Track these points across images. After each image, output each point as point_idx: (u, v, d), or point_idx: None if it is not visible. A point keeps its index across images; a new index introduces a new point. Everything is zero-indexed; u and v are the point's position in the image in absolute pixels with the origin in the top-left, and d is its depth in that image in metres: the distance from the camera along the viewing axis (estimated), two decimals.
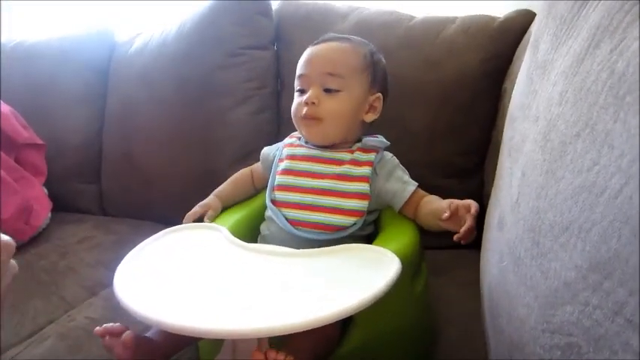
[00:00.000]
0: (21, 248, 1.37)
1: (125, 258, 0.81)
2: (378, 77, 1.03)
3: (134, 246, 0.85)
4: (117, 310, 0.76)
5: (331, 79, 0.97)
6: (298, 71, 1.02)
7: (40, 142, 1.56)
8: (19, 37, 1.83)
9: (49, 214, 1.52)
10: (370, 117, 1.02)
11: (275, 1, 1.52)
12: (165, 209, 1.53)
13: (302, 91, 1.01)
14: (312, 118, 0.97)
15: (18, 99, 1.59)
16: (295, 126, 1.04)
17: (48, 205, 1.52)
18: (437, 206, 0.91)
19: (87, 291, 1.14)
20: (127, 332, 0.73)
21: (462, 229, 0.80)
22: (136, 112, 1.58)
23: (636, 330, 0.31)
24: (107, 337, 0.75)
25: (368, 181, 0.95)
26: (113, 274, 0.77)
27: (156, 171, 1.54)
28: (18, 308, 1.06)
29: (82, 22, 1.92)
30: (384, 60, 1.06)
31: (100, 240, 1.41)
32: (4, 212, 1.30)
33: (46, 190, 1.56)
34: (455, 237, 0.81)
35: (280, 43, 1.50)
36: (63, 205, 1.62)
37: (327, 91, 0.97)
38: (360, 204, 0.95)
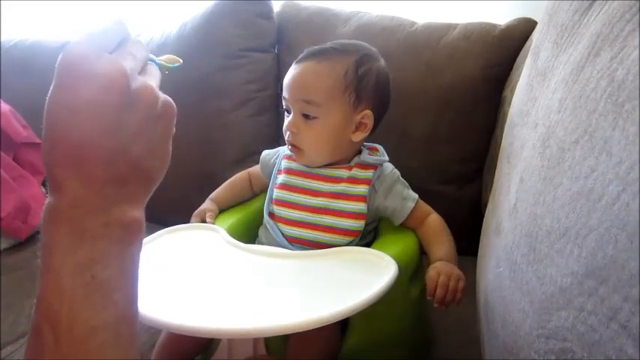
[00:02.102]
0: (18, 246, 1.37)
1: None
2: (366, 93, 0.94)
3: None
4: None
5: (307, 106, 0.92)
6: (283, 90, 0.97)
7: (38, 141, 1.56)
8: (19, 36, 1.83)
9: None
10: (359, 136, 0.95)
11: (277, 1, 1.52)
12: (164, 210, 1.52)
13: (288, 112, 0.97)
14: (293, 146, 0.95)
15: (17, 98, 1.58)
16: None
17: None
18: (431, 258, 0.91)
19: None
20: None
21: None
22: None
23: (630, 336, 0.31)
24: None
25: (365, 201, 0.93)
26: None
27: None
28: (14, 306, 1.06)
29: (82, 22, 1.92)
30: (381, 65, 0.98)
31: None
32: (2, 210, 1.30)
33: (44, 190, 1.56)
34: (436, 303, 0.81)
35: (281, 46, 1.50)
36: None
37: (306, 116, 0.93)
38: (357, 224, 0.93)
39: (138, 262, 0.41)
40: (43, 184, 1.56)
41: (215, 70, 1.44)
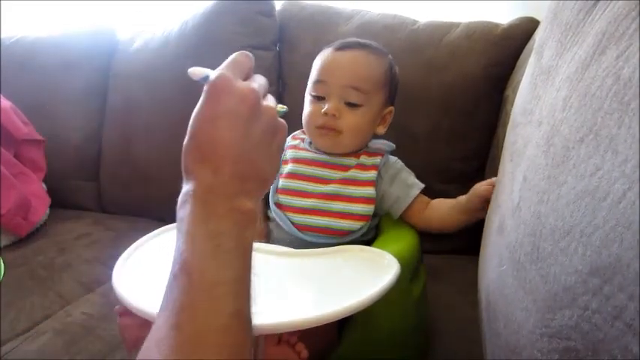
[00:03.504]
0: (18, 243, 1.37)
1: (124, 253, 0.81)
2: (394, 91, 1.03)
3: (132, 243, 0.85)
4: (114, 306, 0.76)
5: (355, 93, 0.95)
6: (317, 75, 0.99)
7: (39, 137, 1.56)
8: (20, 33, 1.82)
9: (48, 210, 1.52)
10: (382, 129, 1.03)
11: (278, 1, 1.52)
12: (164, 207, 1.51)
13: (319, 98, 0.98)
14: (330, 129, 0.96)
15: (18, 95, 1.58)
16: (306, 132, 1.03)
17: (46, 201, 1.52)
18: (461, 203, 0.96)
19: (84, 287, 1.14)
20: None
21: None
22: (137, 111, 1.58)
23: (636, 335, 0.31)
24: (124, 317, 0.75)
25: (374, 185, 0.96)
26: (110, 271, 0.77)
27: (155, 169, 1.54)
28: (15, 303, 1.06)
29: (83, 20, 1.92)
30: (397, 71, 1.05)
31: (97, 237, 1.41)
32: (2, 207, 1.30)
33: (44, 186, 1.56)
34: None
35: (283, 44, 1.50)
36: (61, 201, 1.61)
37: (348, 103, 0.96)
38: (367, 208, 0.95)
39: (252, 245, 0.50)
40: (44, 181, 1.56)
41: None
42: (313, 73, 1.00)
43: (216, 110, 0.50)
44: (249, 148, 0.51)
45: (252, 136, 0.51)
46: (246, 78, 0.56)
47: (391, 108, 1.03)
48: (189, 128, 0.51)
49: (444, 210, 0.98)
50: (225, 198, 0.49)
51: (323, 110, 0.95)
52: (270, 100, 0.56)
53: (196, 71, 0.54)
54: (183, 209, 0.48)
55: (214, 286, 0.44)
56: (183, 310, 0.43)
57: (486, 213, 0.86)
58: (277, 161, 0.58)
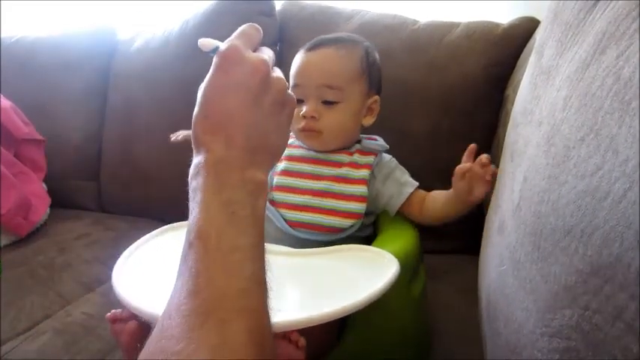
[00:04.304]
0: (19, 243, 1.37)
1: (124, 253, 0.82)
2: (375, 79, 1.02)
3: (132, 243, 0.85)
4: (114, 306, 0.76)
5: (329, 92, 0.96)
6: (292, 80, 1.00)
7: (39, 137, 1.56)
8: (21, 33, 1.82)
9: (48, 210, 1.52)
10: (369, 120, 1.02)
11: (279, 0, 1.52)
12: (164, 207, 1.53)
13: (299, 101, 0.98)
14: (311, 131, 0.97)
15: (19, 95, 1.58)
16: (295, 136, 1.03)
17: (47, 200, 1.52)
18: (451, 192, 0.95)
19: (84, 287, 1.14)
20: (132, 322, 0.74)
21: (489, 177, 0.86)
22: (137, 110, 1.58)
23: (636, 335, 0.31)
24: (116, 324, 0.75)
25: (366, 184, 0.96)
26: (110, 271, 0.77)
27: (155, 169, 1.54)
28: (15, 303, 1.06)
29: (84, 19, 1.92)
30: (377, 56, 1.05)
31: (97, 237, 1.41)
32: (2, 207, 1.30)
33: (45, 186, 1.56)
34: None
35: (283, 44, 1.50)
36: (62, 201, 1.62)
37: (325, 102, 0.96)
38: (358, 206, 0.95)
39: (264, 214, 0.50)
40: (44, 181, 1.56)
41: None
42: (290, 77, 1.01)
43: (227, 81, 0.51)
44: (259, 120, 0.52)
45: (262, 107, 0.52)
46: (255, 50, 0.56)
47: (376, 97, 1.02)
48: (198, 98, 0.52)
49: (441, 202, 0.98)
50: (237, 169, 0.49)
51: (302, 113, 0.96)
52: (278, 72, 0.56)
53: (206, 42, 0.55)
54: (196, 180, 0.49)
55: (231, 251, 0.44)
56: (200, 275, 0.42)
57: (475, 197, 0.88)
58: (286, 133, 0.58)
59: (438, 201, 0.98)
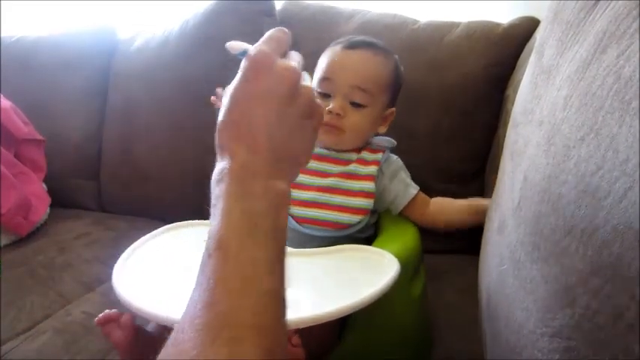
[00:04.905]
0: (19, 243, 1.37)
1: (124, 253, 0.82)
2: (397, 92, 1.04)
3: (132, 243, 0.85)
4: (114, 306, 0.76)
5: (360, 94, 0.96)
6: (324, 73, 0.99)
7: (39, 137, 1.56)
8: (21, 32, 1.82)
9: (48, 210, 1.52)
10: (382, 129, 1.03)
11: (279, 0, 1.52)
12: (164, 207, 1.53)
13: (324, 95, 0.98)
14: (334, 127, 0.97)
15: (19, 95, 1.58)
16: None
17: (47, 200, 1.52)
18: (478, 206, 0.97)
19: (84, 286, 1.14)
20: (125, 315, 0.73)
21: None
22: (137, 110, 1.58)
23: (637, 335, 0.31)
24: (106, 325, 0.75)
25: (374, 180, 0.97)
26: (110, 271, 0.77)
27: (155, 169, 1.54)
28: (15, 303, 1.06)
29: (84, 19, 1.92)
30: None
31: (97, 236, 1.41)
32: (2, 207, 1.30)
33: (45, 186, 1.56)
34: None
35: None
36: (62, 201, 1.61)
37: (353, 103, 0.96)
38: (366, 202, 0.96)
39: (286, 227, 0.49)
40: (44, 181, 1.56)
41: (216, 68, 1.44)
42: (320, 69, 1.00)
43: (255, 88, 0.50)
44: (286, 129, 0.51)
45: (289, 116, 0.51)
46: (284, 55, 0.55)
47: (393, 109, 1.04)
48: (225, 104, 0.51)
49: (452, 211, 0.99)
50: (261, 177, 0.48)
51: (328, 108, 0.95)
52: (307, 80, 0.55)
53: (235, 45, 0.54)
54: (219, 187, 0.48)
55: (251, 264, 0.43)
56: (217, 287, 0.42)
57: None
58: (312, 143, 0.56)
59: (452, 209, 1.00)
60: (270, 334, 0.42)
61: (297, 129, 0.52)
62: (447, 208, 1.00)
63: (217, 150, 0.51)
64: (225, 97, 0.51)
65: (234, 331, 0.40)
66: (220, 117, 0.51)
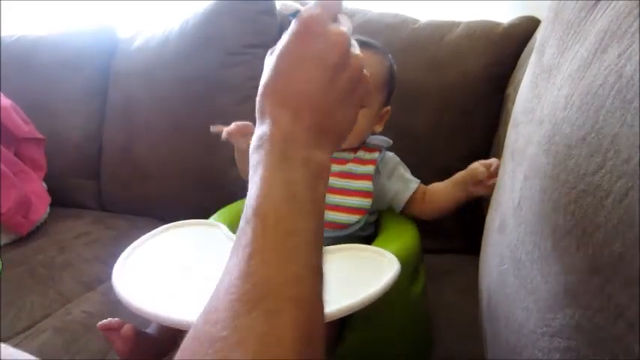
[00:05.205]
0: (19, 242, 1.37)
1: (124, 252, 0.82)
2: (392, 90, 1.03)
3: (132, 242, 0.85)
4: (114, 305, 0.77)
5: None
6: None
7: (40, 136, 1.56)
8: (21, 31, 1.82)
9: (48, 209, 1.52)
10: (378, 128, 1.03)
11: (280, 0, 1.51)
12: (164, 206, 1.53)
13: None
14: None
15: (19, 94, 1.59)
16: None
17: (47, 199, 1.52)
18: (457, 177, 0.97)
19: (84, 286, 1.14)
20: (126, 326, 0.74)
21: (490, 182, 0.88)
22: (137, 109, 1.58)
23: (638, 334, 0.31)
24: (108, 332, 0.75)
25: (371, 179, 0.96)
26: (110, 270, 0.77)
27: (155, 168, 1.54)
28: (15, 302, 1.06)
29: (84, 18, 1.92)
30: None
31: (98, 235, 1.41)
32: (2, 206, 1.30)
33: (45, 185, 1.56)
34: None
35: None
36: (62, 200, 1.62)
37: None
38: (364, 201, 0.95)
39: (324, 198, 0.48)
40: (44, 180, 1.56)
41: (217, 67, 1.44)
42: None
43: (304, 51, 0.49)
44: (332, 99, 0.49)
45: (336, 86, 0.49)
46: (334, 20, 0.53)
47: (388, 108, 1.03)
48: (270, 65, 0.50)
49: (441, 192, 0.99)
50: (302, 147, 0.47)
51: None
52: (356, 48, 0.54)
53: (288, 4, 0.52)
54: (258, 153, 0.47)
55: (288, 234, 0.42)
56: (253, 257, 0.40)
57: (479, 189, 0.91)
58: (355, 115, 0.55)
59: (440, 189, 0.99)
60: (308, 307, 0.41)
61: (342, 99, 0.51)
62: (437, 190, 1.00)
63: (257, 114, 0.50)
64: (270, 58, 0.50)
65: (271, 303, 0.38)
66: (264, 79, 0.50)
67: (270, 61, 0.50)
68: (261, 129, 0.48)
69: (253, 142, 0.48)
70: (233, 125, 1.00)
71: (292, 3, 0.51)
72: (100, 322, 0.76)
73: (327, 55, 0.48)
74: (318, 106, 0.48)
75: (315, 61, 0.48)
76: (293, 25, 0.49)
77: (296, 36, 0.49)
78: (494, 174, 0.89)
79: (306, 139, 0.47)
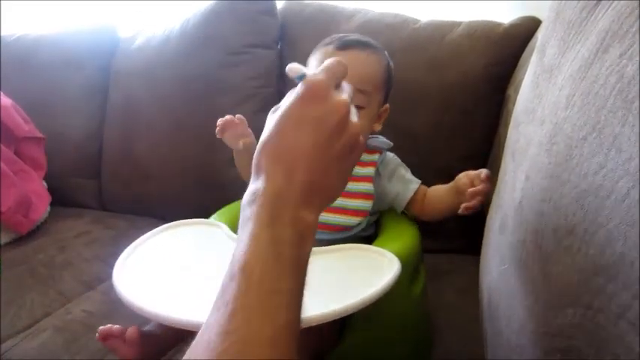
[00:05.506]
0: (19, 241, 1.37)
1: (124, 252, 0.81)
2: (390, 88, 1.02)
3: (132, 241, 0.85)
4: (114, 304, 0.77)
5: (358, 96, 0.92)
6: None
7: (40, 135, 1.56)
8: (22, 31, 1.82)
9: (48, 208, 1.52)
10: (377, 127, 1.02)
11: (280, 0, 1.52)
12: (164, 206, 1.53)
13: None
14: None
15: (19, 93, 1.59)
16: None
17: (47, 198, 1.52)
18: (450, 185, 0.95)
19: (84, 285, 1.14)
20: (130, 330, 0.74)
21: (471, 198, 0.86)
22: (138, 109, 1.58)
23: (638, 333, 0.31)
24: (110, 340, 0.75)
25: (371, 181, 0.96)
26: (111, 269, 0.77)
27: (156, 167, 1.54)
28: (15, 301, 1.06)
29: (85, 17, 1.92)
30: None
31: (98, 235, 1.41)
32: (2, 205, 1.30)
33: (45, 184, 1.56)
34: (462, 205, 0.86)
35: (284, 43, 1.50)
36: (62, 199, 1.62)
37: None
38: (365, 204, 0.95)
39: (308, 260, 0.49)
40: (44, 179, 1.56)
41: (217, 67, 1.44)
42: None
43: (306, 114, 0.50)
44: (326, 162, 0.51)
45: (332, 149, 0.51)
46: (338, 87, 0.55)
47: (387, 106, 1.02)
48: (272, 122, 0.51)
49: (437, 197, 0.99)
50: (292, 206, 0.48)
51: None
52: (354, 116, 0.55)
53: (294, 68, 0.54)
54: (250, 209, 0.48)
55: (271, 293, 0.43)
56: (236, 315, 0.41)
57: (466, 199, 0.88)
58: (347, 178, 0.56)
59: (439, 194, 0.99)
60: None
61: (337, 162, 0.52)
62: (437, 194, 0.99)
63: (254, 168, 0.51)
64: (273, 116, 0.52)
65: None
66: (264, 136, 0.51)
67: (272, 118, 0.52)
68: (255, 184, 0.50)
69: (247, 196, 0.49)
70: (228, 118, 1.00)
71: (299, 66, 0.54)
72: (100, 329, 0.75)
73: (327, 119, 0.50)
74: (313, 166, 0.50)
75: (315, 124, 0.50)
76: (299, 87, 0.51)
77: (300, 98, 0.51)
78: (477, 185, 0.88)
79: (297, 198, 0.49)
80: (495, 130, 1.24)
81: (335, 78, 0.54)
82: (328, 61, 0.55)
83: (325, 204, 0.54)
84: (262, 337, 0.41)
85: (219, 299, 0.44)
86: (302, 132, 0.50)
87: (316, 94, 0.51)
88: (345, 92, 0.55)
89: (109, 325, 0.75)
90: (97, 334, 0.75)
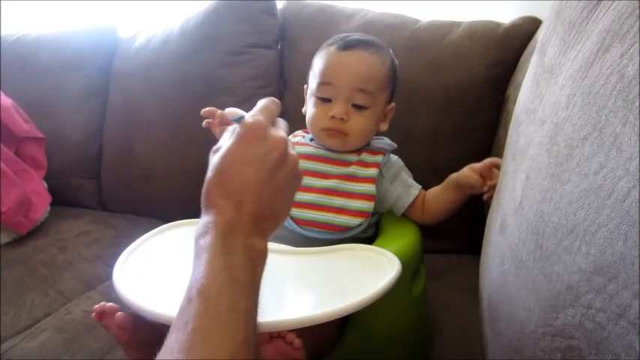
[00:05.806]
0: (19, 241, 1.36)
1: (125, 252, 0.81)
2: (395, 87, 1.02)
3: (132, 241, 0.85)
4: (115, 304, 0.76)
5: (361, 96, 0.95)
6: (322, 77, 0.97)
7: (40, 135, 1.56)
8: (22, 31, 1.82)
9: (48, 208, 1.51)
10: (384, 126, 1.03)
11: (280, 0, 1.52)
12: (165, 206, 1.53)
13: (325, 100, 0.97)
14: (338, 132, 0.96)
15: (19, 93, 1.58)
16: (312, 133, 1.03)
17: (47, 198, 1.52)
18: (450, 181, 0.98)
19: (84, 285, 1.14)
20: (119, 314, 0.73)
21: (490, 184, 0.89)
22: (138, 109, 1.58)
23: (639, 333, 0.31)
24: (104, 319, 0.75)
25: (374, 183, 0.96)
26: (111, 269, 0.77)
27: (156, 167, 1.54)
28: (15, 301, 1.06)
29: (85, 18, 1.92)
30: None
31: (98, 235, 1.41)
32: (3, 205, 1.30)
33: (45, 184, 1.56)
34: (485, 196, 0.91)
35: (284, 43, 1.50)
36: (62, 199, 1.61)
37: (355, 105, 0.95)
38: (367, 205, 0.95)
39: (260, 282, 0.53)
40: (45, 179, 1.56)
41: (217, 67, 1.44)
42: (317, 73, 0.98)
43: (247, 152, 0.55)
44: (271, 192, 0.55)
45: (275, 181, 0.56)
46: (273, 124, 0.61)
47: (392, 105, 1.03)
48: (215, 162, 0.55)
49: (436, 198, 1.00)
50: (243, 235, 0.52)
51: (331, 113, 0.95)
52: (291, 149, 0.60)
53: (232, 111, 0.59)
54: (204, 239, 0.52)
55: (230, 312, 0.46)
56: (196, 333, 0.44)
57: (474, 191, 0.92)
58: (290, 204, 0.61)
59: (434, 195, 1.00)
60: None
61: (281, 192, 0.57)
62: (434, 196, 1.00)
63: (203, 205, 0.55)
64: (215, 157, 0.56)
65: None
66: (210, 174, 0.55)
67: (215, 159, 0.56)
68: (206, 218, 0.54)
69: (199, 229, 0.53)
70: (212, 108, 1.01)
71: (237, 110, 0.59)
72: (95, 307, 0.75)
73: (268, 156, 0.55)
74: (259, 199, 0.54)
75: (259, 162, 0.55)
76: (238, 129, 0.56)
77: (240, 139, 0.55)
78: (488, 178, 0.91)
79: (247, 227, 0.53)
80: (495, 130, 1.24)
81: (271, 116, 0.60)
82: (263, 102, 0.61)
83: (272, 229, 0.58)
84: (224, 352, 0.44)
85: (177, 320, 0.47)
86: (247, 169, 0.54)
87: (255, 134, 0.55)
88: (281, 128, 0.61)
89: (103, 303, 0.75)
90: (93, 313, 0.75)
